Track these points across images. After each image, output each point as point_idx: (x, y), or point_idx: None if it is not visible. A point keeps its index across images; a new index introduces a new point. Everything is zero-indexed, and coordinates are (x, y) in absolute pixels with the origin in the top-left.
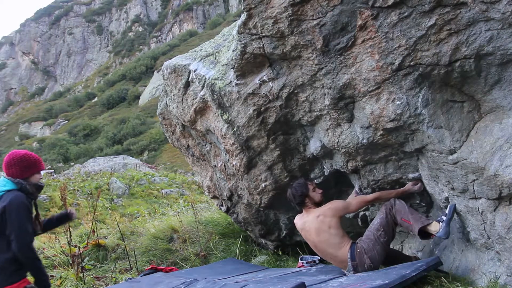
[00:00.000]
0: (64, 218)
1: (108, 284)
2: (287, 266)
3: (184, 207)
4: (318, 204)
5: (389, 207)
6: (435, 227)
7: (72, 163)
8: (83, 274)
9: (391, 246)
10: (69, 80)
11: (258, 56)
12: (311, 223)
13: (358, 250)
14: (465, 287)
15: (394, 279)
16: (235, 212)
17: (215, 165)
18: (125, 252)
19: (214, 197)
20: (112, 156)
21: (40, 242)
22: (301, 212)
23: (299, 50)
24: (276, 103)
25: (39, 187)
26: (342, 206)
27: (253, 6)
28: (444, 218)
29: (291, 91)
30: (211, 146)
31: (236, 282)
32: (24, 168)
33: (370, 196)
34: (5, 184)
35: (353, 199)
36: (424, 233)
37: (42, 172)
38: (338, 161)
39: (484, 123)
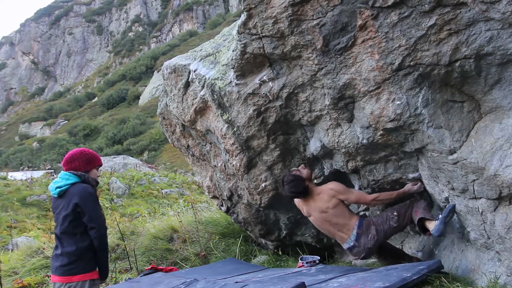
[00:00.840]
0: None
1: (108, 284)
2: (287, 266)
3: (184, 207)
4: (311, 178)
5: (412, 199)
6: (432, 225)
7: None
8: None
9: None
10: (69, 80)
11: (258, 56)
12: (314, 202)
13: (366, 222)
14: (465, 287)
15: (395, 282)
16: (235, 212)
17: (215, 165)
18: (125, 252)
19: (214, 197)
20: (112, 156)
21: (40, 242)
22: None
23: (299, 50)
24: (276, 103)
25: (96, 182)
26: (343, 189)
27: (253, 6)
28: (440, 216)
29: (291, 91)
30: (211, 146)
31: (236, 282)
32: (86, 161)
33: (370, 196)
34: (68, 178)
35: (355, 191)
36: (424, 228)
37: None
38: (338, 161)
39: (484, 123)
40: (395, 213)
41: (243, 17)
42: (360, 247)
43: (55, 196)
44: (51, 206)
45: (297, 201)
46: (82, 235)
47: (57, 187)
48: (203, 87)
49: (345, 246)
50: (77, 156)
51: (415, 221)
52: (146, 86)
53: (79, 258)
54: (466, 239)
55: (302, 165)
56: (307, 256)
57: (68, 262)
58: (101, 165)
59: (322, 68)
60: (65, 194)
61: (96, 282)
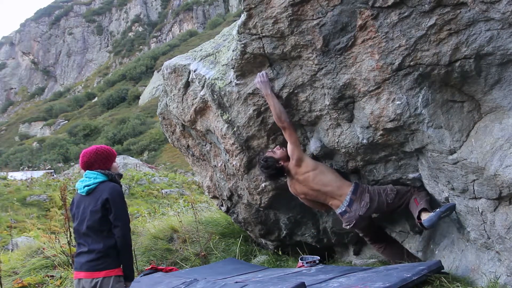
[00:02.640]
0: None
1: None
2: (287, 266)
3: (184, 207)
4: (288, 157)
5: (415, 189)
6: (427, 215)
7: (72, 163)
8: None
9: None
10: (69, 80)
11: (258, 56)
12: (296, 179)
13: (361, 189)
14: (465, 287)
15: (395, 282)
16: (235, 212)
17: (215, 165)
18: None
19: (214, 197)
20: None
21: (40, 242)
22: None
23: (299, 50)
24: None
25: (121, 176)
26: (291, 150)
27: (253, 6)
28: (437, 210)
29: (291, 91)
30: (211, 146)
31: (236, 282)
32: (104, 160)
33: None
34: (96, 176)
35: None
36: (419, 218)
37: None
38: (338, 161)
39: (484, 123)
40: (394, 191)
41: (243, 17)
42: (351, 213)
43: (83, 194)
44: (70, 204)
45: (287, 183)
46: (109, 232)
47: (85, 186)
48: (203, 87)
49: (338, 211)
50: (94, 159)
51: (413, 209)
52: (146, 86)
53: (105, 255)
54: (466, 239)
55: (278, 146)
56: (307, 256)
57: (95, 258)
58: (116, 155)
59: (322, 68)
60: (93, 192)
61: (121, 279)
